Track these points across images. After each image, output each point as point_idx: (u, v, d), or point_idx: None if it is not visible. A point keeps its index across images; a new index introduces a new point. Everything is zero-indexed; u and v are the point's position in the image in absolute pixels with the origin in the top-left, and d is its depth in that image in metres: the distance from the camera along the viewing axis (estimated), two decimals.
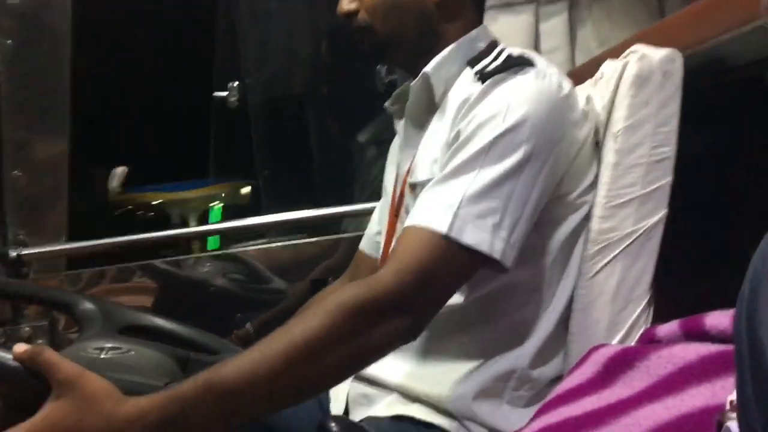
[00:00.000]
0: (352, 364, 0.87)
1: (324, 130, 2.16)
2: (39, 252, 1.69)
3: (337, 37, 2.17)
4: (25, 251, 1.66)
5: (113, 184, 1.56)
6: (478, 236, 0.89)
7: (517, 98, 0.95)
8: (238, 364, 0.80)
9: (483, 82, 0.99)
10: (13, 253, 1.64)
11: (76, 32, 1.70)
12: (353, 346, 0.83)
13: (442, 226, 0.89)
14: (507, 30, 1.74)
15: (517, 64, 1.00)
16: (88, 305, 1.13)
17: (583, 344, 0.98)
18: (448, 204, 0.90)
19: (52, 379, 0.75)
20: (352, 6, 1.10)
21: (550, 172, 0.96)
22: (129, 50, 2.15)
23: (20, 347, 0.77)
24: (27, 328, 1.65)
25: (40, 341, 1.65)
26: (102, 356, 0.97)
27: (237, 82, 2.03)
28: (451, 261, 0.89)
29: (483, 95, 0.98)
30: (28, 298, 1.31)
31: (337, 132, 2.16)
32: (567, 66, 1.77)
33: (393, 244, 1.10)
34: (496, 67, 1.02)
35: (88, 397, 0.75)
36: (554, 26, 1.82)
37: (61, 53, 1.71)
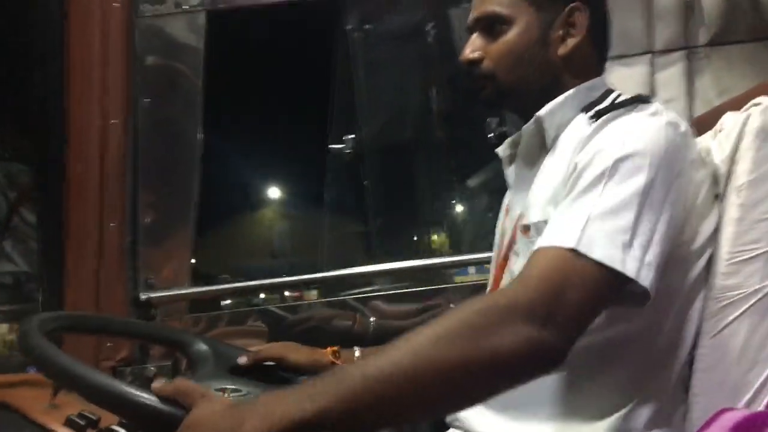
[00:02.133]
0: (483, 362, 0.80)
1: (435, 179, 2.19)
2: (166, 296, 1.80)
3: (449, 88, 2.21)
4: (154, 294, 1.78)
5: None
6: (608, 252, 0.87)
7: (634, 131, 0.95)
8: (364, 364, 0.80)
9: (596, 122, 1.00)
10: (143, 296, 1.76)
11: (206, 92, 1.83)
12: (484, 342, 0.79)
13: (569, 241, 0.87)
14: (622, 81, 1.71)
15: (631, 103, 1.01)
16: (201, 345, 1.20)
17: (706, 406, 0.94)
18: (575, 222, 0.89)
19: (196, 396, 0.79)
20: (476, 54, 1.13)
21: (674, 201, 0.94)
22: (253, 107, 2.28)
23: (159, 382, 0.82)
24: (152, 368, 1.75)
25: (163, 380, 1.75)
26: (224, 397, 1.02)
27: (351, 135, 2.11)
28: (581, 275, 0.86)
29: (598, 129, 0.98)
30: (148, 337, 1.39)
31: (448, 181, 2.19)
32: (685, 117, 1.73)
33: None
34: (609, 106, 1.03)
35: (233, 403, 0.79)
36: (671, 76, 1.79)
37: (192, 110, 1.84)
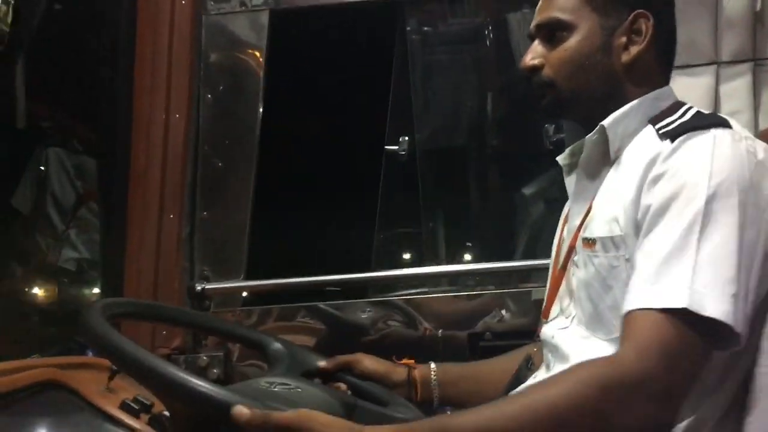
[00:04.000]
0: None
1: (490, 184, 2.19)
2: (220, 287, 1.84)
3: (507, 93, 2.20)
4: (209, 286, 1.82)
5: None
6: (721, 307, 0.84)
7: (718, 158, 0.92)
8: (473, 418, 0.82)
9: (671, 140, 0.97)
10: (198, 287, 1.80)
11: (266, 90, 1.86)
12: (598, 426, 0.81)
13: (678, 300, 0.84)
14: (685, 91, 1.67)
15: (711, 123, 0.98)
16: (279, 347, 1.21)
17: (763, 428, 0.91)
18: (679, 277, 0.86)
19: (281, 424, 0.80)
20: (536, 61, 1.12)
21: (764, 240, 0.91)
22: (312, 106, 2.31)
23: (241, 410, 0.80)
24: (205, 358, 1.79)
25: (215, 370, 1.79)
26: (270, 389, 1.03)
27: (407, 137, 2.13)
28: (693, 338, 0.85)
29: (676, 151, 0.95)
30: (225, 334, 1.41)
31: (503, 187, 2.18)
32: (750, 130, 1.68)
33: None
34: (684, 122, 1.00)
35: (327, 423, 0.82)
36: (736, 88, 1.75)
37: (252, 107, 1.88)
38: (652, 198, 0.94)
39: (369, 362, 1.28)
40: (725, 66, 1.76)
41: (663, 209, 0.92)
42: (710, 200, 0.89)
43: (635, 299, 0.89)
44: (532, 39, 1.15)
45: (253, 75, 1.90)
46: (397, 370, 1.28)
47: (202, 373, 1.77)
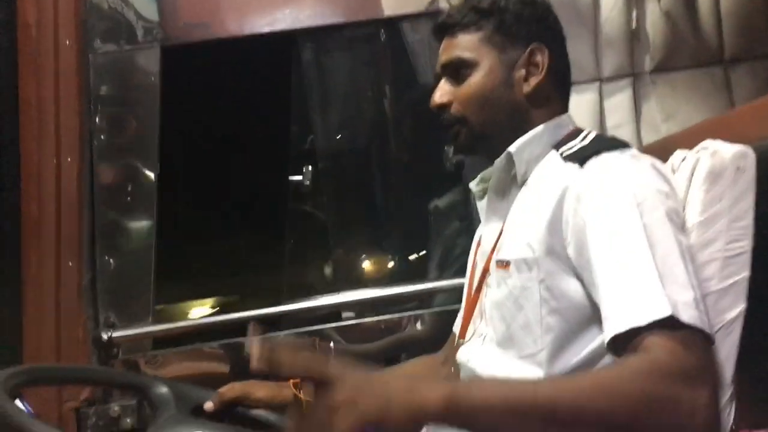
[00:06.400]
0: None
1: (398, 208, 2.19)
2: (126, 335, 1.77)
3: (410, 116, 2.22)
4: (115, 333, 1.75)
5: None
6: (691, 313, 0.85)
7: (633, 174, 0.98)
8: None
9: (579, 163, 1.03)
10: (104, 336, 1.74)
11: (163, 128, 1.82)
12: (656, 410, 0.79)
13: (663, 310, 0.84)
14: (572, 108, 1.76)
15: (614, 145, 1.05)
16: (161, 388, 1.20)
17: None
18: (652, 289, 0.86)
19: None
20: (445, 99, 1.17)
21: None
22: (212, 141, 2.27)
23: None
24: (116, 408, 1.72)
25: (128, 420, 1.73)
26: None
27: (311, 166, 2.12)
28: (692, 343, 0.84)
29: (589, 174, 1.00)
30: (105, 383, 1.37)
31: (412, 208, 2.19)
32: (634, 142, 1.79)
33: (472, 315, 1.14)
34: (586, 146, 1.07)
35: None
36: (618, 103, 1.85)
37: (149, 146, 1.83)
38: (581, 220, 0.97)
39: (257, 392, 1.27)
40: (607, 82, 1.86)
41: (600, 231, 0.94)
42: (642, 215, 0.93)
43: (618, 323, 0.87)
44: (438, 79, 1.20)
45: (148, 112, 1.85)
46: (283, 392, 1.28)
47: (114, 424, 1.70)
